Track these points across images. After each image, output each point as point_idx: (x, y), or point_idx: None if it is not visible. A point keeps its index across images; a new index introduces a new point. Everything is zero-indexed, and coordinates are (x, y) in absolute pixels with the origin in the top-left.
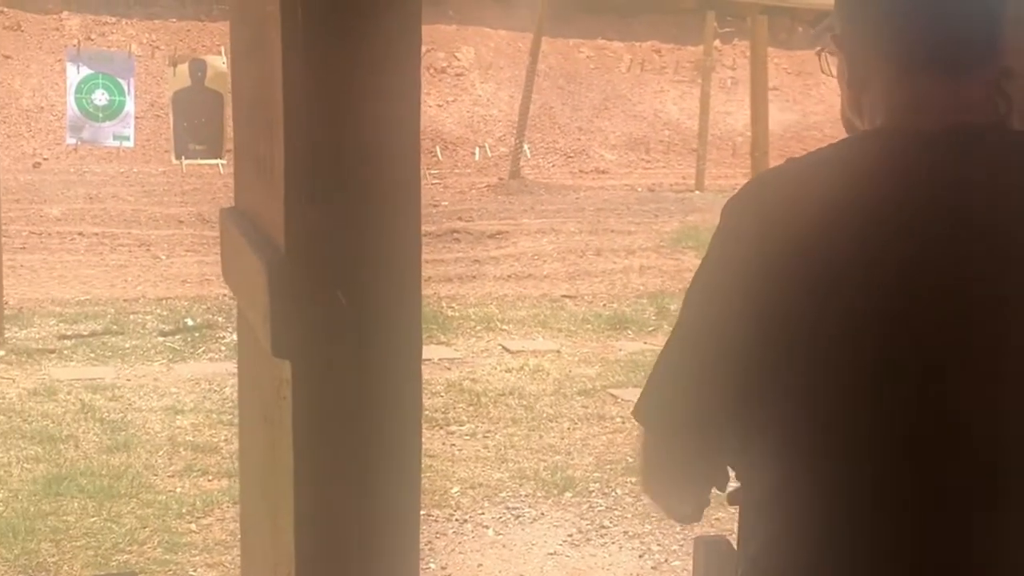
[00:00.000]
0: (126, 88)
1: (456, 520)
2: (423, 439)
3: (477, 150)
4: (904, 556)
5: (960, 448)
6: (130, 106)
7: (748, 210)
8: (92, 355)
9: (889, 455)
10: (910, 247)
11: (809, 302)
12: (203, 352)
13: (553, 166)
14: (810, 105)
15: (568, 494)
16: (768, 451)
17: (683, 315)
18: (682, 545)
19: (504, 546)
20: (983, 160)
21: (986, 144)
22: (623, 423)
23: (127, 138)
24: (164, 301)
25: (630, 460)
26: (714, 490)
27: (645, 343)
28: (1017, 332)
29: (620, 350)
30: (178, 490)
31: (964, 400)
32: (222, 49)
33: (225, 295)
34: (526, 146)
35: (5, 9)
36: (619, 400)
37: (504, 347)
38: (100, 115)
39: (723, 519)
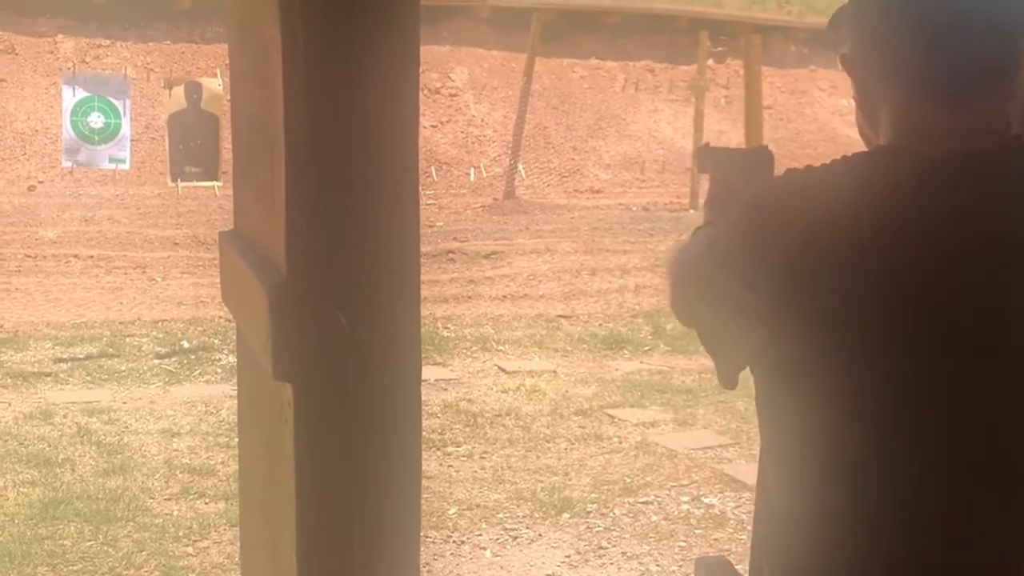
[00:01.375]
0: (122, 110)
1: (454, 542)
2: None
3: (472, 170)
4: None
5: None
6: (126, 128)
7: (779, 208)
8: (88, 378)
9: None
10: (927, 259)
11: (835, 299)
12: (199, 374)
13: (548, 186)
14: (804, 124)
15: (566, 515)
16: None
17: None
18: (681, 565)
19: (502, 567)
20: (990, 185)
21: (996, 169)
22: (620, 443)
23: (123, 160)
24: (160, 323)
25: (628, 480)
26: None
27: (641, 363)
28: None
29: (616, 370)
30: (175, 513)
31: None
32: (218, 71)
33: (221, 317)
34: (521, 166)
35: None
36: (616, 420)
37: (500, 367)
38: (96, 138)
39: (721, 539)
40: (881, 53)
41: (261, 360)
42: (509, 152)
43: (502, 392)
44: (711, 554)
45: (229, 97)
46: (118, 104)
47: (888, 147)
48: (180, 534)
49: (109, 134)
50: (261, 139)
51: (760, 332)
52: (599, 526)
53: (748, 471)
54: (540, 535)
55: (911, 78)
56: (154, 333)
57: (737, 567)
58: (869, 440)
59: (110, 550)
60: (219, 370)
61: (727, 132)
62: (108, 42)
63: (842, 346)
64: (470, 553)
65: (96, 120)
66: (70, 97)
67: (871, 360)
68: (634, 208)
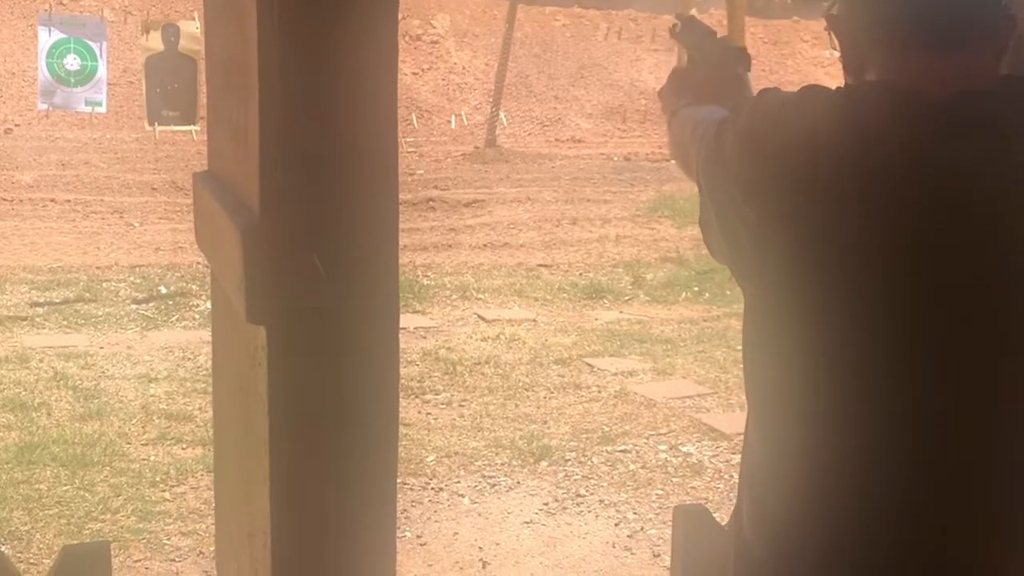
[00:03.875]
0: (98, 53)
1: (432, 489)
2: (399, 408)
3: (453, 118)
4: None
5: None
6: (102, 71)
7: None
8: (65, 323)
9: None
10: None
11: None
12: (177, 320)
13: (529, 135)
14: (786, 75)
15: (544, 463)
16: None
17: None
18: (658, 513)
19: (480, 514)
20: (984, 124)
21: (990, 107)
22: (599, 392)
23: (99, 104)
24: (137, 269)
25: (606, 429)
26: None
27: (621, 312)
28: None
29: (596, 319)
30: (152, 458)
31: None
32: (195, 14)
33: (199, 263)
34: (502, 114)
35: None
36: (595, 369)
37: (480, 316)
38: (72, 80)
39: (699, 487)
40: (871, 9)
41: (235, 303)
42: (490, 100)
43: (481, 340)
44: (689, 502)
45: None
46: (94, 46)
47: (883, 82)
48: (157, 479)
49: (85, 76)
50: (235, 79)
51: (749, 246)
52: (577, 474)
53: (726, 420)
54: (518, 483)
55: (901, 31)
56: (131, 278)
57: (715, 516)
58: (849, 388)
59: (86, 494)
60: (196, 316)
61: None
62: None
63: (831, 275)
64: (448, 500)
65: (72, 62)
66: (46, 39)
67: (857, 297)
68: (615, 158)
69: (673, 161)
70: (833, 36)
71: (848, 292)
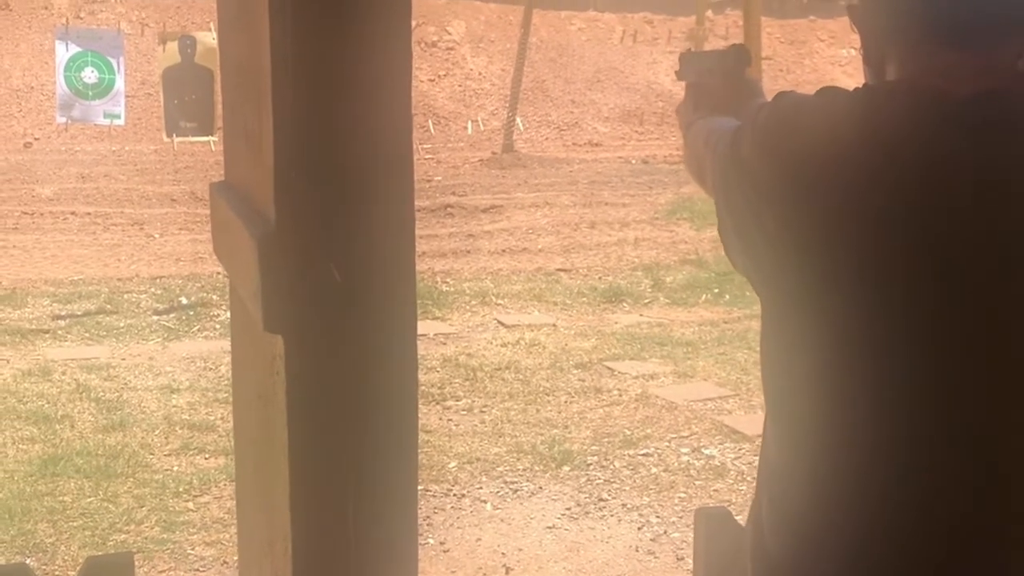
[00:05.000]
0: (116, 66)
1: (454, 495)
2: (419, 415)
3: (470, 124)
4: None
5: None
6: (120, 84)
7: (860, 112)
8: (86, 335)
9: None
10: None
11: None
12: (198, 330)
13: (546, 139)
14: (803, 74)
15: (566, 467)
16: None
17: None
18: (681, 517)
19: (502, 520)
20: (1010, 123)
21: (1019, 103)
22: (619, 396)
23: (118, 116)
24: (158, 280)
25: (627, 432)
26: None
27: (641, 315)
28: None
29: (616, 323)
30: (175, 469)
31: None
32: (211, 25)
33: (219, 273)
34: (519, 120)
35: None
36: (615, 373)
37: (499, 321)
38: (90, 93)
39: (721, 490)
40: (892, 4)
41: (252, 312)
42: (507, 106)
43: (501, 346)
44: (711, 505)
45: None
46: (112, 60)
47: (904, 81)
48: (180, 489)
49: (103, 89)
50: (249, 88)
51: (766, 253)
52: (599, 478)
53: (748, 422)
54: (540, 488)
55: (922, 23)
56: (152, 289)
57: (737, 518)
58: (868, 392)
59: (110, 506)
60: (217, 326)
61: None
62: None
63: (850, 280)
64: (470, 506)
65: (90, 75)
66: (63, 52)
67: (878, 302)
68: (633, 161)
69: (688, 173)
70: (853, 25)
71: (868, 297)
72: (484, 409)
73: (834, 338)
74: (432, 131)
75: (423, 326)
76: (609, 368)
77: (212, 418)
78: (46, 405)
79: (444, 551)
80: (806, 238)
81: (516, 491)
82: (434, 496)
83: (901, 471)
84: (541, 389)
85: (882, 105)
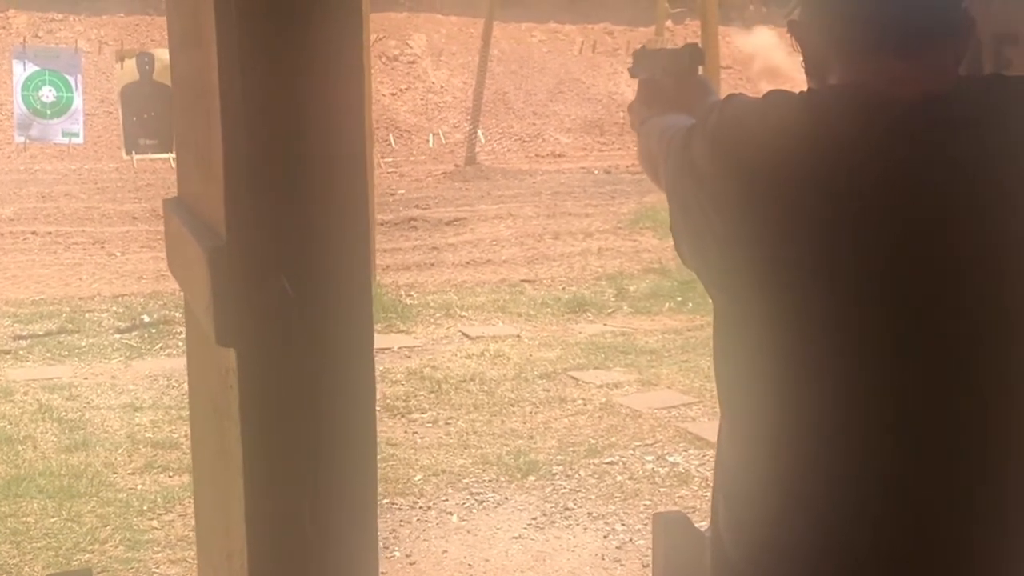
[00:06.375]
0: (74, 84)
1: (420, 508)
2: (384, 428)
3: (431, 137)
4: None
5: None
6: (78, 102)
7: (801, 117)
8: (48, 355)
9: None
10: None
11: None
12: (160, 348)
13: (508, 151)
14: (765, 83)
15: (531, 478)
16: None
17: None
18: (645, 524)
19: (469, 532)
20: (949, 124)
21: (954, 109)
22: (584, 405)
23: (76, 135)
24: (120, 298)
25: (592, 442)
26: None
27: (605, 325)
28: (1006, 269)
29: (580, 332)
30: (139, 487)
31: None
32: None
33: (181, 290)
34: (480, 132)
35: None
36: (580, 382)
37: (464, 333)
38: (48, 112)
39: (686, 496)
40: (831, 13)
41: (204, 326)
42: (469, 118)
43: (466, 358)
44: (671, 510)
45: None
46: (70, 78)
47: (850, 86)
48: (144, 508)
49: (61, 108)
50: (197, 104)
51: (716, 254)
52: (565, 488)
53: (712, 429)
54: (506, 498)
55: (863, 34)
56: (114, 308)
57: (700, 524)
58: (820, 388)
59: (74, 526)
60: (180, 343)
61: None
62: (61, 16)
63: (797, 282)
64: (436, 519)
65: (47, 94)
66: (20, 72)
67: (828, 304)
68: (595, 171)
69: (643, 169)
70: (795, 41)
71: (816, 297)
72: (449, 421)
73: (779, 337)
74: (394, 145)
75: (387, 339)
76: (574, 378)
77: (176, 436)
78: (8, 426)
79: (410, 564)
80: (755, 241)
81: (482, 502)
82: (400, 509)
83: (852, 466)
84: (506, 400)
85: (828, 110)
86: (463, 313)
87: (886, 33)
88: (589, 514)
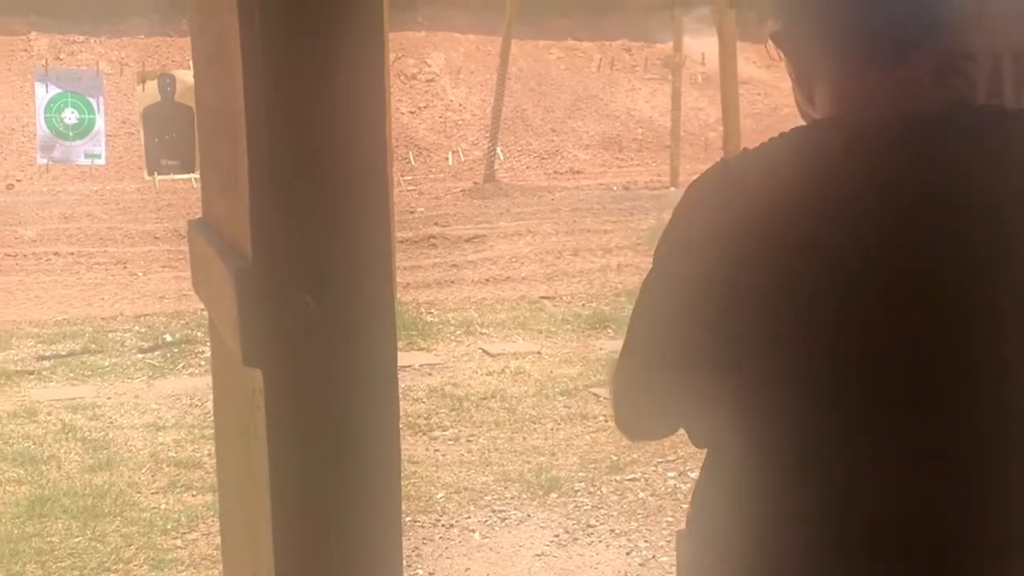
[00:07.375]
0: (95, 106)
1: (442, 525)
2: (406, 446)
3: (451, 155)
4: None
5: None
6: (100, 124)
7: (715, 188)
8: (71, 375)
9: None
10: (868, 229)
11: (774, 276)
12: (183, 367)
13: (527, 168)
14: (781, 98)
15: (553, 494)
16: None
17: (652, 274)
18: (668, 541)
19: (491, 549)
20: (930, 148)
21: (932, 131)
22: (606, 422)
23: (98, 156)
24: (142, 318)
25: (614, 458)
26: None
27: None
28: (985, 304)
29: (600, 349)
30: (162, 506)
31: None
32: (191, 63)
33: (202, 309)
34: (499, 149)
35: None
36: (601, 399)
37: (484, 350)
38: (70, 134)
39: None
40: (814, 24)
41: (231, 346)
42: (487, 135)
43: (487, 375)
44: None
45: None
46: (92, 100)
47: (825, 121)
48: (168, 527)
49: (83, 130)
50: (222, 126)
51: (705, 337)
52: (587, 504)
53: None
54: (528, 516)
55: (845, 43)
56: (136, 328)
57: None
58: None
59: (98, 545)
60: (202, 362)
61: (704, 109)
62: (82, 38)
63: (788, 335)
64: (459, 536)
65: (70, 116)
66: (43, 94)
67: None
68: (614, 187)
69: (628, 421)
70: (779, 52)
71: (794, 356)
72: (471, 438)
73: (762, 393)
74: (413, 163)
75: (408, 357)
76: (595, 394)
77: (199, 455)
78: (32, 446)
79: None
80: (755, 302)
81: (504, 520)
82: (422, 527)
83: (829, 506)
84: (527, 417)
85: (804, 151)
86: (483, 330)
87: (863, 44)
88: (611, 531)
